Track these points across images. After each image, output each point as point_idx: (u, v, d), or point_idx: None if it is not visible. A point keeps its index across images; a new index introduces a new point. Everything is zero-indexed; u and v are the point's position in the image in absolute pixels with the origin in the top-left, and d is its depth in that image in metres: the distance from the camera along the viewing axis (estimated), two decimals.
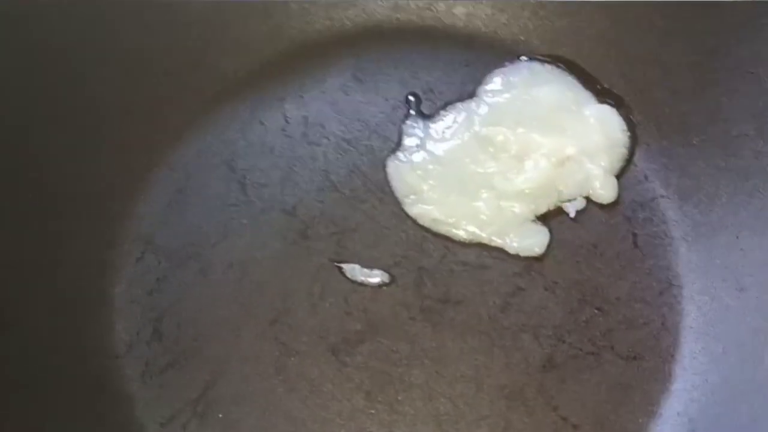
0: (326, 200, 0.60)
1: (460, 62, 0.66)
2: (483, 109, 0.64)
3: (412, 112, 0.64)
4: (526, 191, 0.60)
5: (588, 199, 0.60)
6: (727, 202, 0.57)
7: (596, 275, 0.57)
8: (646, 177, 0.61)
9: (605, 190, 0.60)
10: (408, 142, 0.63)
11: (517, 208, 0.60)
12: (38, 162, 0.57)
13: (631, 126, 0.63)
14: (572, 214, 0.60)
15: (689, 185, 0.59)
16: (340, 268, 0.57)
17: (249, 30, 0.66)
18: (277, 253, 0.58)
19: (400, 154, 0.63)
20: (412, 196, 0.61)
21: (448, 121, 0.64)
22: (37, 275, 0.54)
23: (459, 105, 0.65)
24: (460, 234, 0.59)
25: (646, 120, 0.62)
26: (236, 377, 0.53)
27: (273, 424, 0.52)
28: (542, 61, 0.66)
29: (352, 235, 0.59)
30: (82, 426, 0.51)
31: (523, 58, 0.66)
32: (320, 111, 0.64)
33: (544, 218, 0.60)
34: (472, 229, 0.59)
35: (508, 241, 0.59)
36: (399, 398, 0.52)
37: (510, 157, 0.61)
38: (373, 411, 0.52)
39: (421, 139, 0.63)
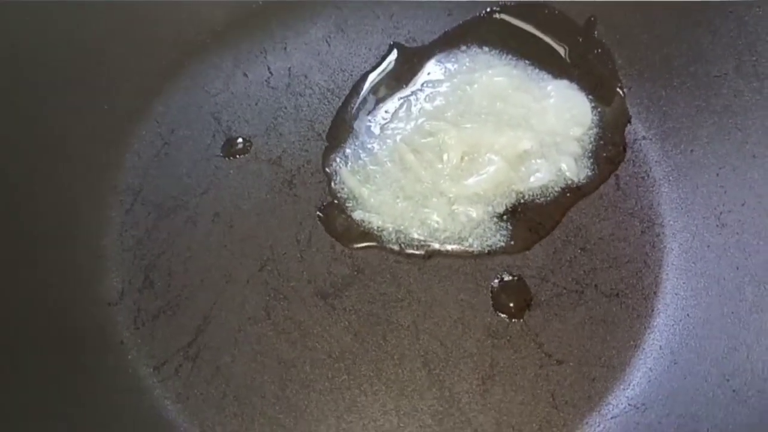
0: (311, 149, 0.61)
1: (442, 10, 0.66)
2: (424, 102, 0.59)
3: (394, 60, 0.64)
4: (480, 193, 0.56)
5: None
6: (707, 141, 0.57)
7: (580, 216, 0.58)
8: (628, 120, 0.61)
9: (580, 176, 0.58)
10: (347, 141, 0.60)
11: (473, 211, 0.56)
12: (28, 117, 0.57)
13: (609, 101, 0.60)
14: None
15: (670, 126, 0.60)
16: (336, 205, 0.57)
17: None
18: (263, 202, 0.59)
19: (336, 156, 0.59)
20: (352, 201, 0.58)
21: (388, 116, 0.60)
22: (30, 227, 0.55)
23: (398, 98, 0.61)
24: (411, 250, 0.55)
25: (628, 64, 0.63)
26: (227, 322, 0.54)
27: (263, 366, 0.53)
28: (481, 45, 0.63)
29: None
30: (76, 373, 0.52)
31: (463, 47, 0.64)
32: (304, 62, 0.65)
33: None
34: (422, 238, 0.55)
35: (466, 245, 0.55)
36: (387, 338, 0.53)
37: (458, 156, 0.57)
38: (361, 351, 0.53)
39: (359, 136, 0.59)
